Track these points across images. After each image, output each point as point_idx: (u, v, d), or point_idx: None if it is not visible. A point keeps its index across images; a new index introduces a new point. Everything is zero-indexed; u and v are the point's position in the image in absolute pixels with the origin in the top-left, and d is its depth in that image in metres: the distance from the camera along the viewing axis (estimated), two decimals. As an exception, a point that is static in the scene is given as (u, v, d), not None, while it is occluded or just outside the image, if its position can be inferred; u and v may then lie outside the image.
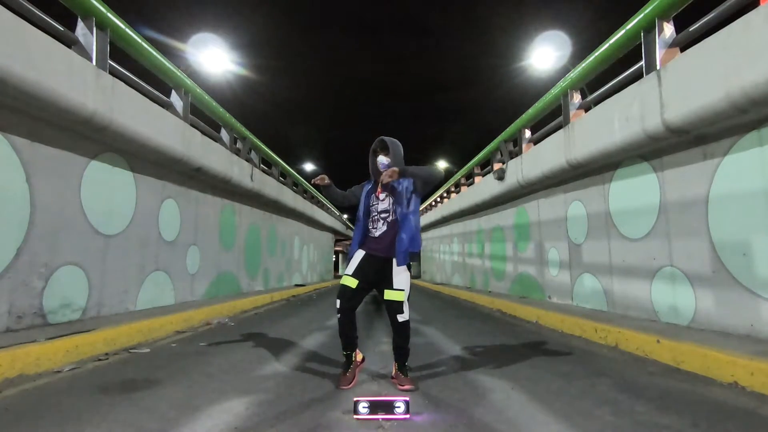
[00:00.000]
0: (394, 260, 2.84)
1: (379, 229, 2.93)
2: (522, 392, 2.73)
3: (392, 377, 2.92)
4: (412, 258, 2.86)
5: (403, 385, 2.77)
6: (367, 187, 3.09)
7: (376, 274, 2.87)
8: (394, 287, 2.82)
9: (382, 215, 2.94)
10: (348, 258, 3.01)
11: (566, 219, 7.11)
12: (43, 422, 2.21)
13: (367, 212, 2.99)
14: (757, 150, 3.77)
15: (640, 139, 4.70)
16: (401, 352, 2.88)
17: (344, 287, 2.85)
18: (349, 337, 2.89)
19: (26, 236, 4.15)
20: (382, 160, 2.98)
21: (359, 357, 3.03)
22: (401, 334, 2.84)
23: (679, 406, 2.46)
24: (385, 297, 2.84)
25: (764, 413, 2.35)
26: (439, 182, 3.02)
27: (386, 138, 3.01)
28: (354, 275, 2.86)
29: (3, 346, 3.17)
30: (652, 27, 4.63)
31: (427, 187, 2.99)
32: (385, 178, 2.75)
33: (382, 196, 2.98)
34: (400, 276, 2.84)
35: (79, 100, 4.29)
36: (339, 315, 2.84)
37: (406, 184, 2.94)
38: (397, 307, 2.81)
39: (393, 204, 2.92)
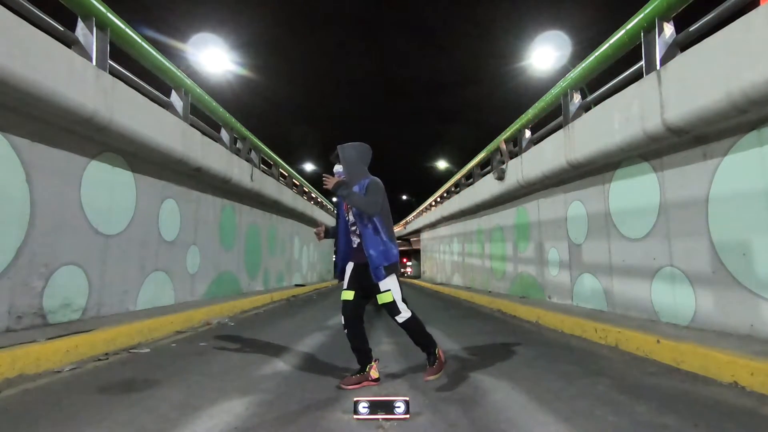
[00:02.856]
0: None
1: (355, 240, 2.97)
2: (522, 392, 2.73)
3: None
4: (390, 270, 2.86)
5: (426, 376, 2.89)
6: (341, 200, 3.11)
7: (366, 282, 2.89)
8: (381, 290, 2.85)
9: (352, 227, 2.99)
10: (338, 271, 3.07)
11: (566, 219, 7.11)
12: (43, 422, 2.22)
13: (345, 224, 3.04)
14: (757, 150, 3.77)
15: (640, 139, 4.70)
16: (420, 346, 2.98)
17: (344, 302, 2.93)
18: (360, 351, 2.92)
19: (26, 236, 4.15)
20: (337, 169, 3.01)
21: (375, 374, 2.91)
22: (410, 333, 2.95)
23: (679, 406, 2.46)
24: (379, 302, 2.89)
25: (764, 413, 2.35)
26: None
27: (340, 145, 3.00)
28: (349, 287, 2.94)
29: (3, 346, 3.17)
30: (652, 27, 4.63)
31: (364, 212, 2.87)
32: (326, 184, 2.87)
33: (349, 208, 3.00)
34: (384, 279, 2.85)
35: (79, 100, 4.29)
36: (346, 330, 2.90)
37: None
38: (391, 308, 2.86)
39: (355, 215, 2.93)
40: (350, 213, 2.98)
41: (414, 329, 2.93)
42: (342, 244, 3.05)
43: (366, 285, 2.90)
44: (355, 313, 2.91)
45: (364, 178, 2.94)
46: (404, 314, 2.86)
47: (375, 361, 2.95)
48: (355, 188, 2.90)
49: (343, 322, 2.91)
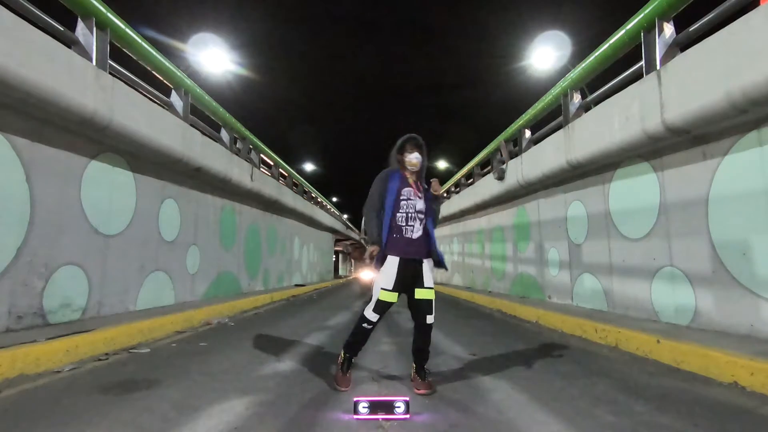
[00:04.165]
0: (425, 262, 2.79)
1: (417, 230, 2.78)
2: (522, 392, 2.73)
3: (411, 379, 2.89)
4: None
5: (419, 389, 2.70)
6: (396, 178, 2.88)
7: (411, 279, 2.76)
8: (425, 285, 2.75)
9: (419, 215, 2.81)
10: (378, 260, 2.79)
11: (566, 219, 7.11)
12: (43, 422, 2.22)
13: (397, 206, 2.80)
14: (757, 150, 3.77)
15: (640, 139, 4.70)
16: (422, 355, 2.81)
17: (386, 303, 2.73)
18: (362, 346, 2.90)
19: (26, 236, 4.15)
20: (418, 156, 2.85)
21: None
22: (426, 337, 2.77)
23: (679, 406, 2.46)
24: (416, 296, 2.74)
25: (764, 413, 2.35)
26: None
27: (413, 134, 2.93)
28: (395, 289, 2.72)
29: (3, 346, 3.17)
30: (652, 27, 4.63)
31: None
32: (436, 187, 2.86)
33: (420, 194, 2.87)
34: (429, 273, 2.80)
35: (79, 100, 4.29)
36: (370, 327, 2.76)
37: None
38: (427, 307, 2.73)
39: (426, 208, 2.85)
40: (419, 201, 2.81)
41: (430, 334, 2.79)
42: (384, 230, 2.79)
43: (409, 284, 2.75)
44: (383, 316, 2.80)
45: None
46: (433, 315, 2.77)
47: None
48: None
49: (373, 320, 2.73)
